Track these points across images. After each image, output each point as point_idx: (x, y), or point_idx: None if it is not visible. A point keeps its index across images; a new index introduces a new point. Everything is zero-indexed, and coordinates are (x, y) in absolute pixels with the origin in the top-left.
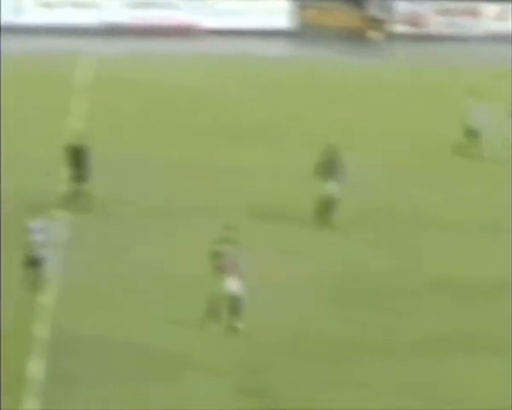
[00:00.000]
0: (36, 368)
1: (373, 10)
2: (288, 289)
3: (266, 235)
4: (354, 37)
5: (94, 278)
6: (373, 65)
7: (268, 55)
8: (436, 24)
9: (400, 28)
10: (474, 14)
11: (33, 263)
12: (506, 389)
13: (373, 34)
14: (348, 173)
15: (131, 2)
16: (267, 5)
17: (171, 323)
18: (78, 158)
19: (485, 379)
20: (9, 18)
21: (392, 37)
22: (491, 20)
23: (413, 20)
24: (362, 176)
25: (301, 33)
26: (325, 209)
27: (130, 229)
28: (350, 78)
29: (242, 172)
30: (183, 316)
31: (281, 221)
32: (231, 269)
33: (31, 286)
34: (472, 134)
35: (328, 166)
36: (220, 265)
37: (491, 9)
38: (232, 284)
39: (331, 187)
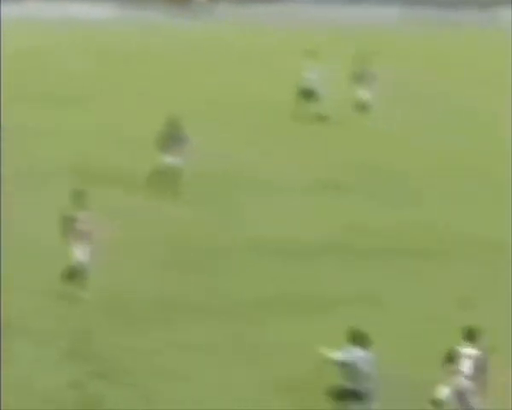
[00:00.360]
0: None
1: None
2: (121, 252)
3: (105, 199)
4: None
5: None
6: (202, 27)
7: (94, 19)
8: None
9: None
10: None
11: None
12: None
13: None
14: (189, 142)
15: None
16: None
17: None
18: None
19: (308, 340)
20: None
21: None
22: None
23: None
24: (202, 144)
25: None
26: (164, 178)
27: None
28: (179, 41)
29: (79, 134)
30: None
31: (118, 186)
32: (81, 236)
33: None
34: (308, 95)
35: (169, 138)
36: (70, 231)
37: None
38: (80, 251)
39: (170, 158)
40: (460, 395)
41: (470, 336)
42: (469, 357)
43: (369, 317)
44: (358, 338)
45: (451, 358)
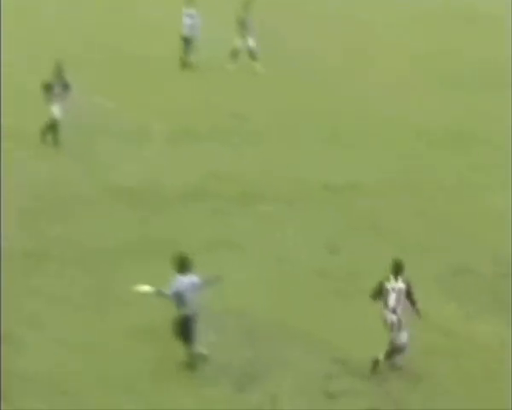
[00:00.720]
0: None
1: None
2: None
3: None
4: None
5: None
6: None
7: None
8: None
9: None
10: None
11: None
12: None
13: None
14: (71, 91)
15: None
16: None
17: None
18: None
19: None
20: None
21: None
22: None
23: None
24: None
25: None
26: (50, 130)
27: None
28: None
29: None
30: None
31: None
32: None
33: None
34: (187, 43)
35: (53, 88)
36: None
37: None
38: None
39: (55, 110)
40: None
41: (395, 269)
42: (393, 290)
43: (229, 262)
44: (182, 264)
45: (379, 292)
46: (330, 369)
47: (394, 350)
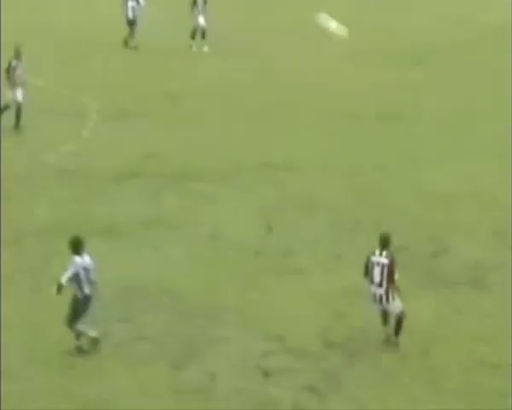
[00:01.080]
0: None
1: None
2: None
3: None
4: None
5: None
6: None
7: None
8: None
9: None
10: None
11: None
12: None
13: None
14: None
15: None
16: None
17: None
18: None
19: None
20: None
21: None
22: None
23: None
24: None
25: None
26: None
27: None
28: None
29: None
30: None
31: None
32: None
33: None
34: (131, 24)
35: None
36: None
37: None
38: None
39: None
40: (377, 302)
41: (381, 243)
42: (377, 264)
43: (164, 241)
44: (77, 246)
45: (367, 267)
46: (266, 347)
47: (398, 322)
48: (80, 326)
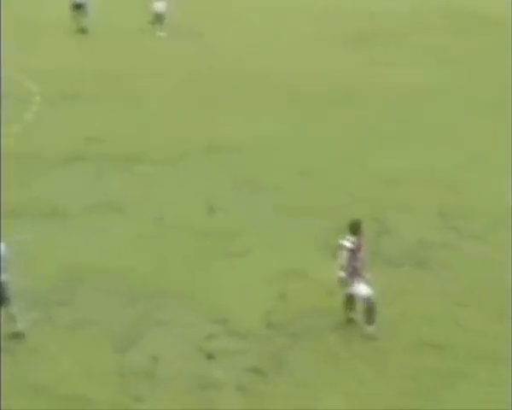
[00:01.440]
0: None
1: None
2: None
3: None
4: None
5: None
6: None
7: None
8: None
9: None
10: None
11: None
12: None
13: None
14: None
15: None
16: None
17: None
18: None
19: (51, 245)
20: None
21: None
22: None
23: None
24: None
25: None
26: None
27: None
28: None
29: None
30: None
31: None
32: None
33: None
34: (77, 8)
35: None
36: None
37: None
38: None
39: None
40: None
41: (350, 229)
42: (344, 248)
43: (110, 223)
44: None
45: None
46: (211, 329)
47: (368, 310)
48: (12, 310)
